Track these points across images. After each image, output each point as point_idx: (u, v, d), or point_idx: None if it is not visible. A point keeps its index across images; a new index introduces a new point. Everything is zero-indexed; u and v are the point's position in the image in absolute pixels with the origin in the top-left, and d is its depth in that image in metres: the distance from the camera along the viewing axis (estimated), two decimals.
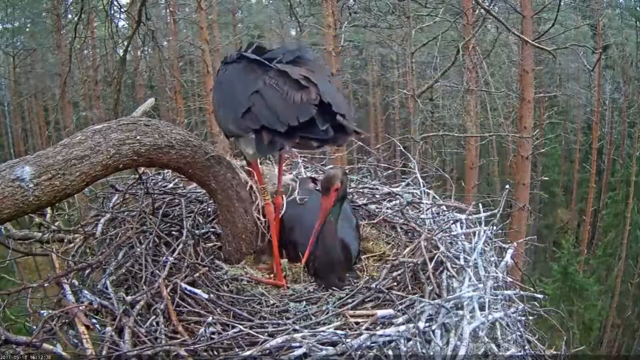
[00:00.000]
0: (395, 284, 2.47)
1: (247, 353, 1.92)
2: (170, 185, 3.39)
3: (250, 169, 2.80)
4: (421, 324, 2.06)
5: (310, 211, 2.77)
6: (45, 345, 2.03)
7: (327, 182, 2.52)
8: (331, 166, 4.23)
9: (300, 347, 1.93)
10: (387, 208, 3.39)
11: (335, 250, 2.55)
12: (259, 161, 2.68)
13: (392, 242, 3.03)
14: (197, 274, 2.46)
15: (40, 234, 3.11)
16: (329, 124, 1.96)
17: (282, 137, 1.96)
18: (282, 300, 2.41)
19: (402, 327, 2.05)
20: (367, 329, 2.04)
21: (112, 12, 6.00)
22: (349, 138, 2.07)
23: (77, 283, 2.47)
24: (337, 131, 1.99)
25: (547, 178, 19.82)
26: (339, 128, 2.00)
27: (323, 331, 2.03)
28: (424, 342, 2.02)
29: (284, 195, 2.85)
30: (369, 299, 2.36)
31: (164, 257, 2.54)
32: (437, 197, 3.47)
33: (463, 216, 3.12)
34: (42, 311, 2.26)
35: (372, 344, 1.99)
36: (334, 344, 1.97)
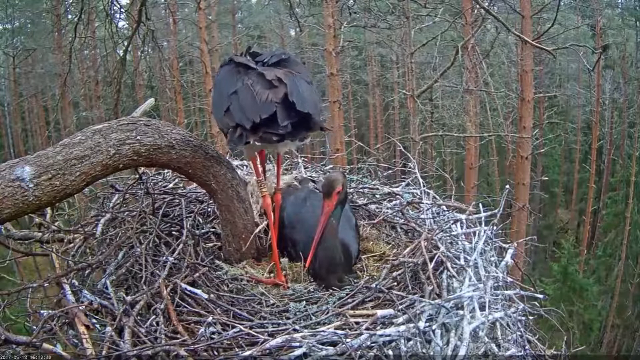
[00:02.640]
0: (395, 284, 2.47)
1: (247, 353, 1.92)
2: (170, 185, 3.39)
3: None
4: (421, 324, 2.05)
5: (311, 210, 2.78)
6: (45, 345, 2.03)
7: (329, 185, 2.55)
8: (331, 166, 4.23)
9: (300, 347, 1.93)
10: (387, 208, 3.39)
11: (336, 251, 2.56)
12: (258, 159, 2.70)
13: (392, 242, 3.03)
14: (197, 274, 2.46)
15: (40, 234, 3.11)
16: (289, 120, 2.14)
17: (249, 132, 2.16)
18: (282, 300, 2.41)
19: (402, 327, 2.05)
20: (367, 329, 2.04)
21: (112, 12, 6.00)
22: (311, 132, 2.29)
23: (77, 283, 2.47)
24: (298, 127, 2.17)
25: (547, 178, 19.85)
26: (301, 124, 2.18)
27: (323, 331, 2.03)
28: (424, 342, 2.02)
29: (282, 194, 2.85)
30: (369, 299, 2.36)
31: (164, 257, 2.54)
32: (437, 197, 3.47)
33: (463, 216, 3.12)
34: (42, 311, 2.26)
35: (372, 344, 1.99)
36: (334, 344, 1.97)
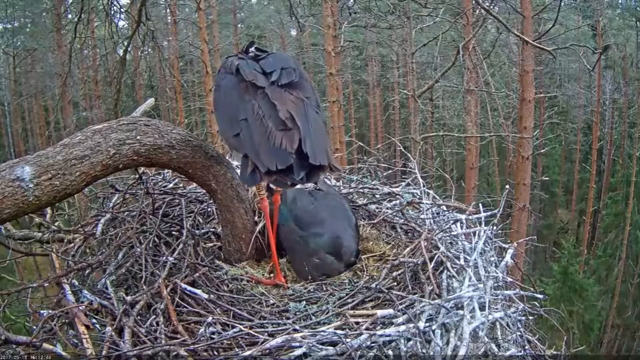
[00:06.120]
0: (395, 284, 2.47)
1: (247, 353, 1.92)
2: (170, 185, 3.38)
3: None
4: (421, 324, 2.05)
5: (310, 211, 2.77)
6: (45, 345, 2.03)
7: None
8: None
9: (300, 347, 1.93)
10: (387, 208, 3.38)
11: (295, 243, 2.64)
12: None
13: (392, 242, 3.03)
14: (197, 274, 2.46)
15: (40, 234, 3.11)
16: (304, 171, 2.13)
17: (262, 174, 2.14)
18: (282, 300, 2.41)
19: (402, 327, 2.05)
20: (367, 329, 2.04)
21: (112, 12, 6.00)
22: (322, 175, 2.32)
23: (77, 283, 2.47)
24: (310, 173, 2.15)
25: (547, 178, 19.86)
26: (314, 170, 2.16)
27: (323, 331, 2.03)
28: (424, 342, 2.02)
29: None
30: (369, 299, 2.36)
31: (164, 257, 2.53)
32: (437, 197, 3.46)
33: (463, 216, 3.12)
34: (42, 311, 2.26)
35: (372, 344, 1.99)
36: (334, 344, 1.97)
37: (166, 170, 3.46)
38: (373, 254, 2.88)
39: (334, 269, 2.64)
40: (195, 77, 21.46)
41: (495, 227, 2.98)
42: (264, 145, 2.14)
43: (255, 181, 2.18)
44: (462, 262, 2.57)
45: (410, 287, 2.42)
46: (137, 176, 3.14)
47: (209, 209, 3.08)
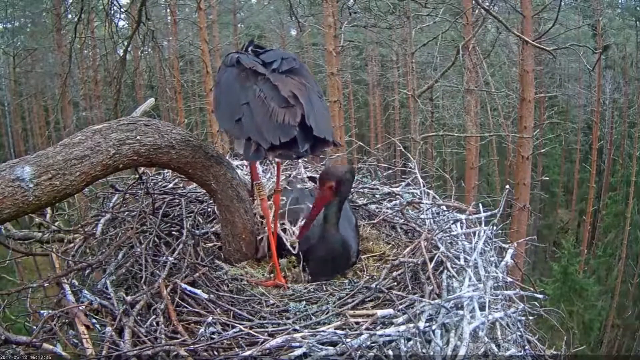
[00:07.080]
0: (395, 284, 2.47)
1: (247, 353, 1.92)
2: (170, 185, 3.39)
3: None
4: (421, 324, 2.05)
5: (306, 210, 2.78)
6: (45, 345, 2.03)
7: (323, 177, 2.56)
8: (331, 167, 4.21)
9: (300, 347, 1.93)
10: (387, 208, 3.39)
11: (337, 248, 2.58)
12: (257, 162, 2.71)
13: (392, 242, 3.03)
14: (197, 274, 2.46)
15: (40, 234, 3.11)
16: (308, 144, 2.13)
17: (266, 150, 2.15)
18: (282, 300, 2.40)
19: (402, 327, 2.05)
20: (367, 329, 2.04)
21: (112, 12, 6.00)
22: (325, 150, 2.35)
23: (77, 283, 2.47)
24: (315, 146, 2.16)
25: (547, 178, 19.89)
26: (317, 144, 2.17)
27: (323, 331, 2.03)
28: (424, 342, 2.02)
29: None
30: (369, 299, 2.35)
31: (164, 257, 2.53)
32: (437, 197, 3.46)
33: (463, 216, 3.12)
34: (42, 311, 2.26)
35: (372, 344, 1.99)
36: (334, 344, 1.97)
37: (166, 170, 3.46)
38: (373, 254, 2.89)
39: (342, 269, 2.65)
40: (195, 77, 21.45)
41: (495, 227, 2.98)
42: (267, 123, 2.14)
43: (259, 157, 2.18)
44: (462, 262, 2.57)
45: (410, 287, 2.42)
46: (137, 176, 3.14)
47: (209, 209, 3.08)
